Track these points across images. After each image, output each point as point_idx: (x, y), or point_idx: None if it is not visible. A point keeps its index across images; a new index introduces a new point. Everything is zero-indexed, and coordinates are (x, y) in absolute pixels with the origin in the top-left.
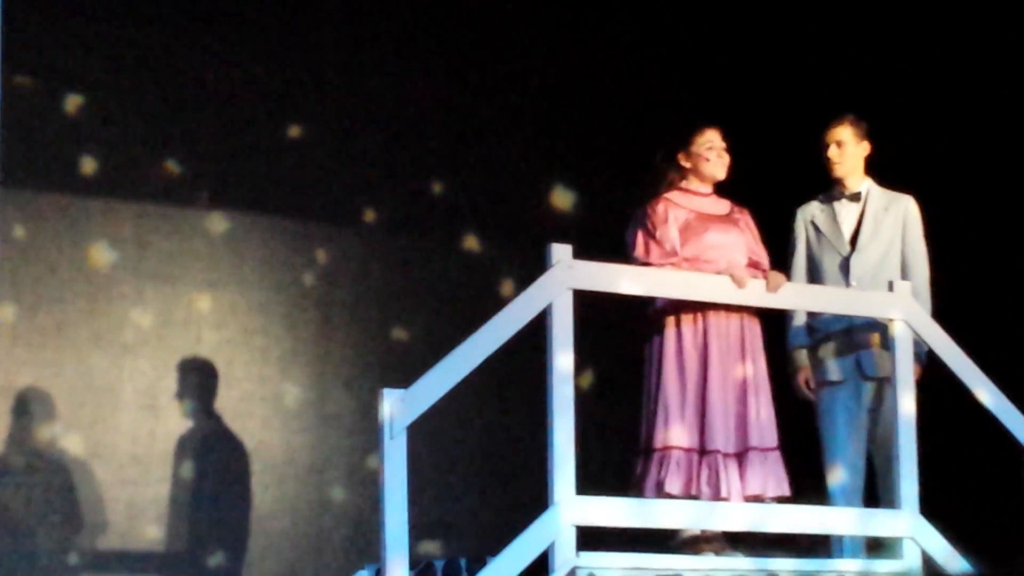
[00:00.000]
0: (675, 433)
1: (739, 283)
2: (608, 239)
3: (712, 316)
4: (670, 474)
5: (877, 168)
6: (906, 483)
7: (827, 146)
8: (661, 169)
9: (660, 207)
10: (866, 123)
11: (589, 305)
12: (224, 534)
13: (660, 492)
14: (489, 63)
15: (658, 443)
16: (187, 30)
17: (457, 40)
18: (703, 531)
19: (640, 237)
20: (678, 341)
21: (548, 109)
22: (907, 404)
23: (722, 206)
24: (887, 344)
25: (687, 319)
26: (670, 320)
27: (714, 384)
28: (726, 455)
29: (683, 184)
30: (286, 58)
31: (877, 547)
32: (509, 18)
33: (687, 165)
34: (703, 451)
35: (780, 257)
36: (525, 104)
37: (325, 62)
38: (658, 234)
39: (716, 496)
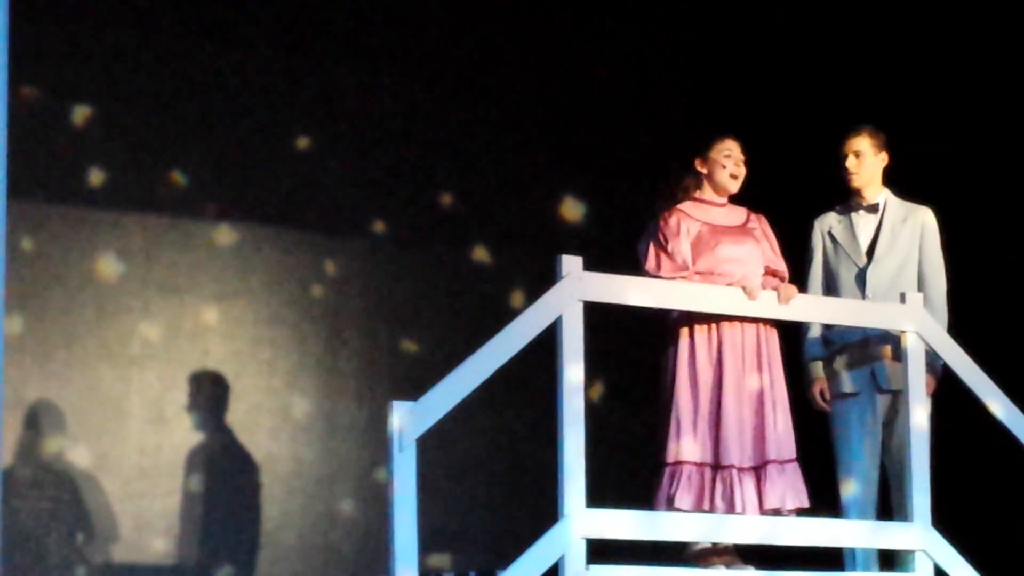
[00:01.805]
0: (687, 447)
1: (750, 295)
2: (618, 250)
3: (727, 327)
4: (680, 489)
5: (896, 179)
6: (918, 495)
7: (845, 156)
8: (677, 173)
9: (672, 219)
10: (885, 134)
11: (599, 317)
12: (232, 547)
13: (671, 507)
14: (499, 74)
15: (670, 457)
16: (195, 42)
17: (467, 51)
18: (714, 544)
19: (652, 249)
20: (691, 353)
21: (558, 120)
22: (919, 416)
23: (737, 215)
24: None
25: (701, 330)
26: (684, 331)
27: (729, 397)
28: (741, 469)
29: (697, 194)
30: (294, 69)
31: (890, 560)
32: (519, 29)
33: (703, 171)
34: (718, 466)
35: (797, 267)
36: (535, 115)
37: (334, 73)
38: (670, 247)
39: (731, 511)
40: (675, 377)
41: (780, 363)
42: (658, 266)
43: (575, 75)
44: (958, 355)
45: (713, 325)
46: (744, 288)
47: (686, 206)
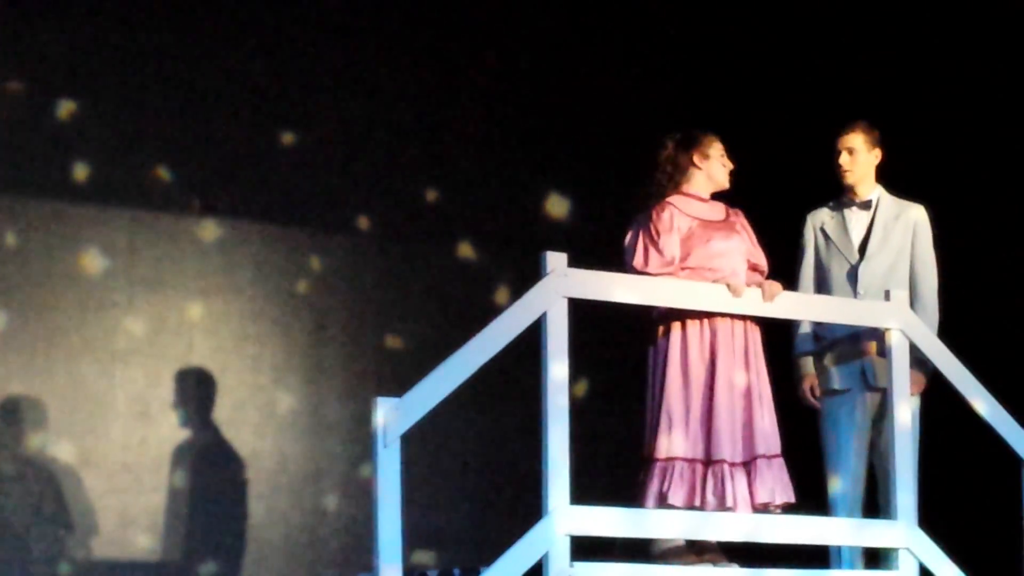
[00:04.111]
0: (678, 443)
1: (735, 292)
2: (603, 247)
3: (720, 323)
4: (673, 485)
5: (889, 176)
6: (902, 494)
7: (838, 153)
8: (675, 162)
9: (666, 214)
10: (879, 131)
11: (584, 313)
12: (217, 543)
13: (663, 503)
14: (483, 70)
15: (661, 453)
16: (180, 36)
17: (451, 46)
18: (693, 542)
19: (640, 242)
20: (684, 347)
21: (543, 116)
22: (903, 414)
23: (719, 211)
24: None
25: (693, 325)
26: (675, 326)
27: (721, 392)
28: (733, 464)
29: (685, 188)
30: (279, 64)
31: (875, 558)
32: (504, 25)
33: (700, 167)
34: (709, 461)
35: (789, 263)
36: (520, 111)
37: (318, 69)
38: (660, 242)
39: (722, 507)
40: (666, 371)
41: (763, 359)
42: (646, 261)
43: (560, 71)
44: (943, 353)
45: (705, 320)
46: (728, 285)
47: (676, 200)
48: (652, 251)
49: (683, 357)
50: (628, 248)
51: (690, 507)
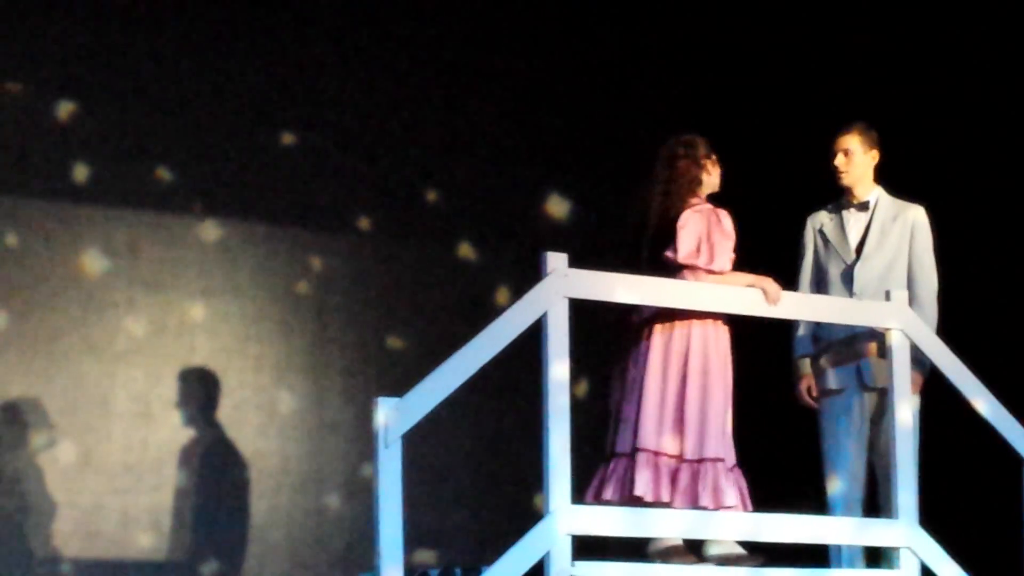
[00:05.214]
0: (706, 443)
1: (771, 297)
2: (604, 247)
3: (723, 326)
4: (709, 485)
5: (890, 177)
6: (903, 493)
7: (834, 154)
8: (690, 167)
9: (728, 218)
10: (877, 132)
11: (585, 313)
12: (219, 542)
13: (714, 505)
14: (484, 70)
15: (685, 454)
16: (180, 37)
17: (452, 46)
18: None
19: (707, 241)
20: (714, 347)
21: (543, 117)
22: (904, 414)
23: None
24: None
25: (706, 325)
26: (685, 325)
27: (729, 397)
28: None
29: (699, 193)
30: (279, 65)
31: (876, 557)
32: (504, 25)
33: (711, 173)
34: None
35: (789, 265)
36: (520, 112)
37: (319, 69)
38: (729, 245)
39: (745, 508)
40: (707, 370)
41: None
42: (711, 259)
43: (561, 72)
44: (943, 353)
45: (723, 324)
46: (765, 290)
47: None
48: (720, 252)
49: (718, 357)
50: (690, 244)
51: (719, 508)
